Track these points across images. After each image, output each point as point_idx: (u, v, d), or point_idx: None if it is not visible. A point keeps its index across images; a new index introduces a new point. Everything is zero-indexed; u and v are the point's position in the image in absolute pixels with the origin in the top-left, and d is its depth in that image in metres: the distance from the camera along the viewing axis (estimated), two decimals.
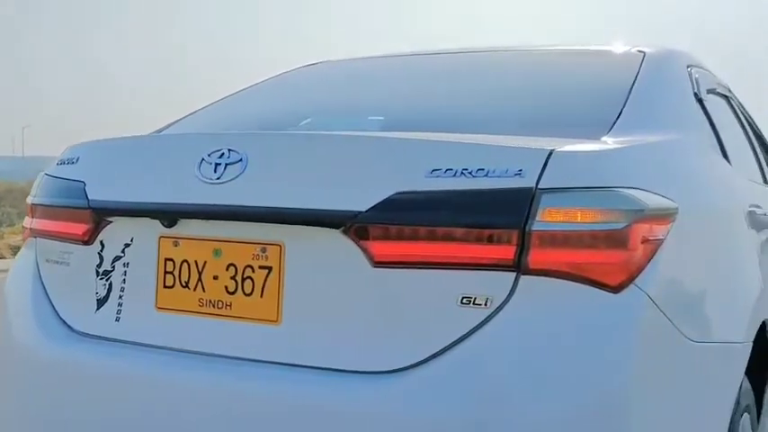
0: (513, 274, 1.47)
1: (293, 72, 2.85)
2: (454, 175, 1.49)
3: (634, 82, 2.04)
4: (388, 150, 1.60)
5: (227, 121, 2.40)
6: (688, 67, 2.40)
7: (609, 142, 1.70)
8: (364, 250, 1.53)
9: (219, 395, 1.62)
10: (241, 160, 1.64)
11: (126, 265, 1.81)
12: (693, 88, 2.31)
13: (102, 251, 1.84)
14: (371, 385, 1.50)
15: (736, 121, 3.03)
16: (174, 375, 1.67)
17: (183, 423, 1.64)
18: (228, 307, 1.67)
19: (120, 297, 1.81)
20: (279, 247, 1.63)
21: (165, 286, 1.75)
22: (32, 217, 2.05)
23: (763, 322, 2.07)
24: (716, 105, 2.61)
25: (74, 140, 2.09)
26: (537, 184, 1.47)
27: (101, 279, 1.84)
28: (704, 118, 2.31)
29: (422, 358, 1.49)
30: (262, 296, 1.64)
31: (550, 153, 1.50)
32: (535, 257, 1.46)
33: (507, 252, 1.46)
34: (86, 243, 1.86)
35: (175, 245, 1.74)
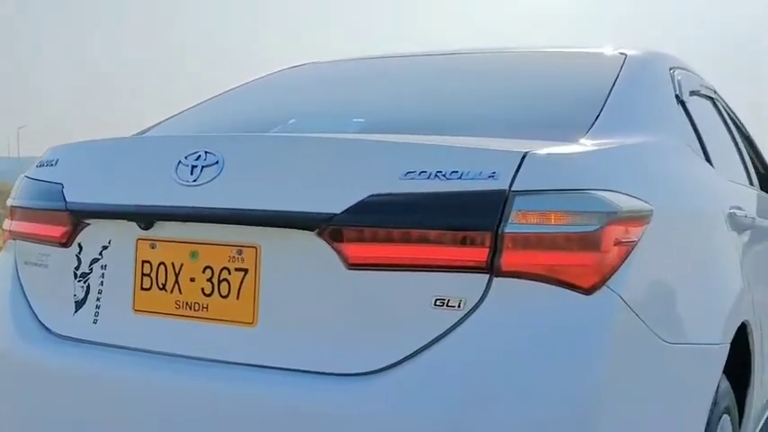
0: (487, 276, 1.47)
1: (279, 73, 2.85)
2: (428, 178, 1.50)
3: (614, 84, 2.05)
4: (362, 153, 1.60)
5: (211, 122, 2.40)
6: (671, 69, 2.40)
7: (585, 144, 1.71)
8: (339, 252, 1.54)
9: (196, 397, 1.62)
10: (217, 162, 1.65)
11: (104, 267, 1.81)
12: (675, 90, 2.31)
13: (80, 253, 1.84)
14: (346, 387, 1.51)
15: (721, 122, 3.03)
16: (150, 377, 1.67)
17: (159, 425, 1.64)
18: (205, 309, 1.67)
19: (98, 299, 1.81)
20: (255, 250, 1.63)
21: (142, 288, 1.75)
22: (12, 219, 2.05)
23: (743, 323, 2.07)
24: (699, 107, 2.61)
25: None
26: (510, 186, 1.47)
27: (79, 281, 1.84)
28: (686, 120, 2.31)
29: (396, 360, 1.49)
30: (238, 298, 1.64)
31: (524, 155, 1.50)
32: (508, 259, 1.46)
33: (480, 254, 1.47)
34: (64, 245, 1.86)
35: (152, 247, 1.74)
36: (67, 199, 1.84)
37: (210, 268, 1.67)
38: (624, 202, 1.54)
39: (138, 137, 2.23)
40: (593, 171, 1.58)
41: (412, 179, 1.51)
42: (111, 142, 1.97)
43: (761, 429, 2.80)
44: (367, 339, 1.53)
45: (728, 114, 3.23)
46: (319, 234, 1.55)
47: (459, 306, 1.47)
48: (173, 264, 1.71)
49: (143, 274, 1.75)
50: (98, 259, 1.82)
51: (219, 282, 1.66)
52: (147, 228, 1.73)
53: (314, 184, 1.58)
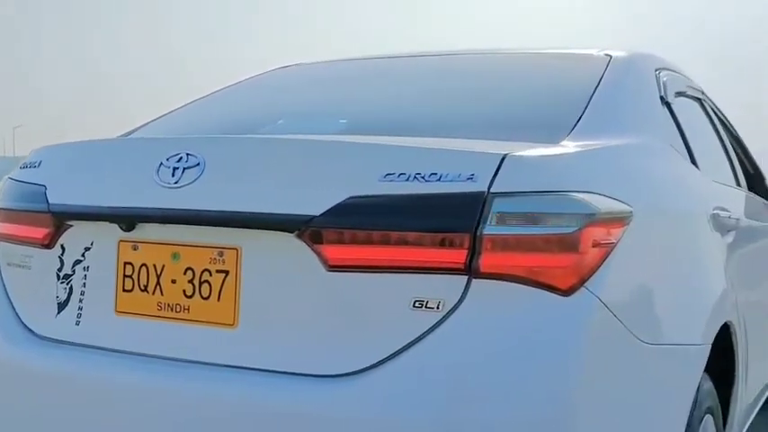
0: (465, 278, 1.47)
1: (265, 75, 2.85)
2: (407, 180, 1.50)
3: (597, 85, 2.05)
4: (342, 154, 1.61)
5: (198, 123, 2.40)
6: (656, 70, 2.41)
7: (566, 146, 1.71)
8: (318, 254, 1.54)
9: (177, 398, 1.62)
10: (198, 164, 1.65)
11: (86, 268, 1.81)
12: (660, 91, 2.31)
13: (62, 255, 1.85)
14: (326, 388, 1.51)
15: (708, 123, 3.04)
16: (132, 379, 1.67)
17: (141, 426, 1.65)
18: (186, 311, 1.67)
19: (81, 301, 1.81)
20: (236, 251, 1.63)
21: (124, 290, 1.75)
22: None
23: (726, 324, 2.08)
24: (686, 108, 2.62)
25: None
26: (489, 188, 1.48)
27: (61, 283, 1.84)
28: (670, 121, 2.32)
29: (375, 361, 1.49)
30: (219, 300, 1.64)
31: (503, 157, 1.50)
32: (486, 261, 1.47)
33: (459, 256, 1.47)
34: (47, 247, 1.86)
35: (134, 249, 1.74)
36: (50, 200, 1.84)
37: (192, 270, 1.67)
38: (603, 204, 1.54)
39: (121, 138, 2.24)
40: (572, 173, 1.58)
41: (391, 181, 1.51)
42: (93, 144, 1.97)
43: (747, 430, 2.81)
44: (347, 341, 1.53)
45: (717, 115, 3.23)
46: (299, 236, 1.55)
47: (437, 308, 1.48)
48: (154, 265, 1.71)
49: (125, 276, 1.75)
50: (80, 261, 1.82)
51: (201, 283, 1.66)
52: (128, 229, 1.73)
53: (294, 185, 1.58)
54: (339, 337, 1.54)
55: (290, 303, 1.58)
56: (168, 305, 1.69)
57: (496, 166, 1.49)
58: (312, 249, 1.55)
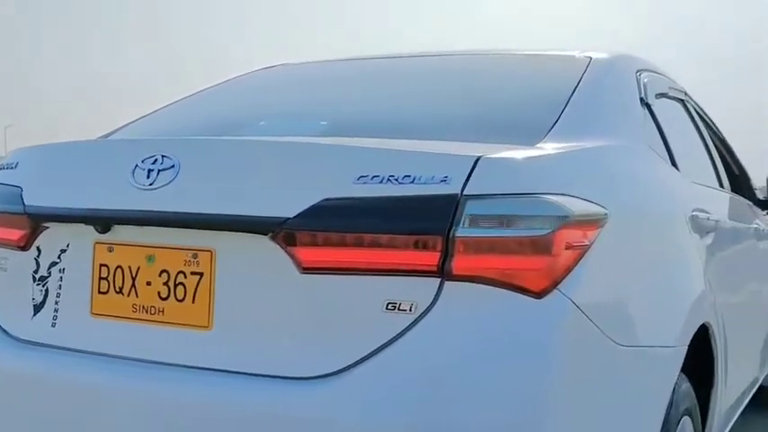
0: (438, 280, 1.48)
1: (249, 75, 2.85)
2: (381, 182, 1.50)
3: (576, 87, 2.05)
4: (316, 156, 1.61)
5: (176, 124, 2.40)
6: (637, 71, 2.41)
7: (542, 148, 1.71)
8: (292, 256, 1.54)
9: (152, 401, 1.62)
10: (173, 166, 1.65)
11: (62, 270, 1.81)
12: (640, 93, 2.32)
13: (38, 257, 1.84)
14: (300, 390, 1.51)
15: (690, 124, 3.04)
16: (107, 381, 1.67)
17: (115, 427, 1.64)
18: (161, 313, 1.67)
19: (57, 303, 1.81)
20: (210, 254, 1.63)
21: (99, 292, 1.75)
22: None
23: (704, 325, 2.08)
24: (667, 110, 2.62)
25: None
26: (462, 190, 1.48)
27: (37, 285, 1.83)
28: (650, 123, 2.32)
29: (348, 364, 1.50)
30: (194, 302, 1.64)
31: (477, 160, 1.51)
32: (459, 263, 1.47)
33: (431, 258, 1.47)
34: (23, 248, 1.85)
35: (110, 251, 1.74)
36: (26, 202, 1.83)
37: (167, 272, 1.67)
38: (577, 206, 1.54)
39: (97, 140, 2.23)
40: (546, 175, 1.58)
41: (365, 183, 1.51)
42: (70, 145, 1.97)
43: (730, 431, 2.81)
44: (321, 343, 1.53)
45: (700, 116, 3.24)
46: (273, 238, 1.55)
47: (410, 310, 1.48)
48: (129, 267, 1.71)
49: (101, 278, 1.74)
50: (56, 263, 1.81)
51: (175, 285, 1.66)
52: (104, 231, 1.73)
53: (268, 187, 1.58)
54: (313, 339, 1.54)
55: (264, 305, 1.58)
56: (143, 307, 1.69)
57: (470, 169, 1.49)
58: (286, 251, 1.54)
